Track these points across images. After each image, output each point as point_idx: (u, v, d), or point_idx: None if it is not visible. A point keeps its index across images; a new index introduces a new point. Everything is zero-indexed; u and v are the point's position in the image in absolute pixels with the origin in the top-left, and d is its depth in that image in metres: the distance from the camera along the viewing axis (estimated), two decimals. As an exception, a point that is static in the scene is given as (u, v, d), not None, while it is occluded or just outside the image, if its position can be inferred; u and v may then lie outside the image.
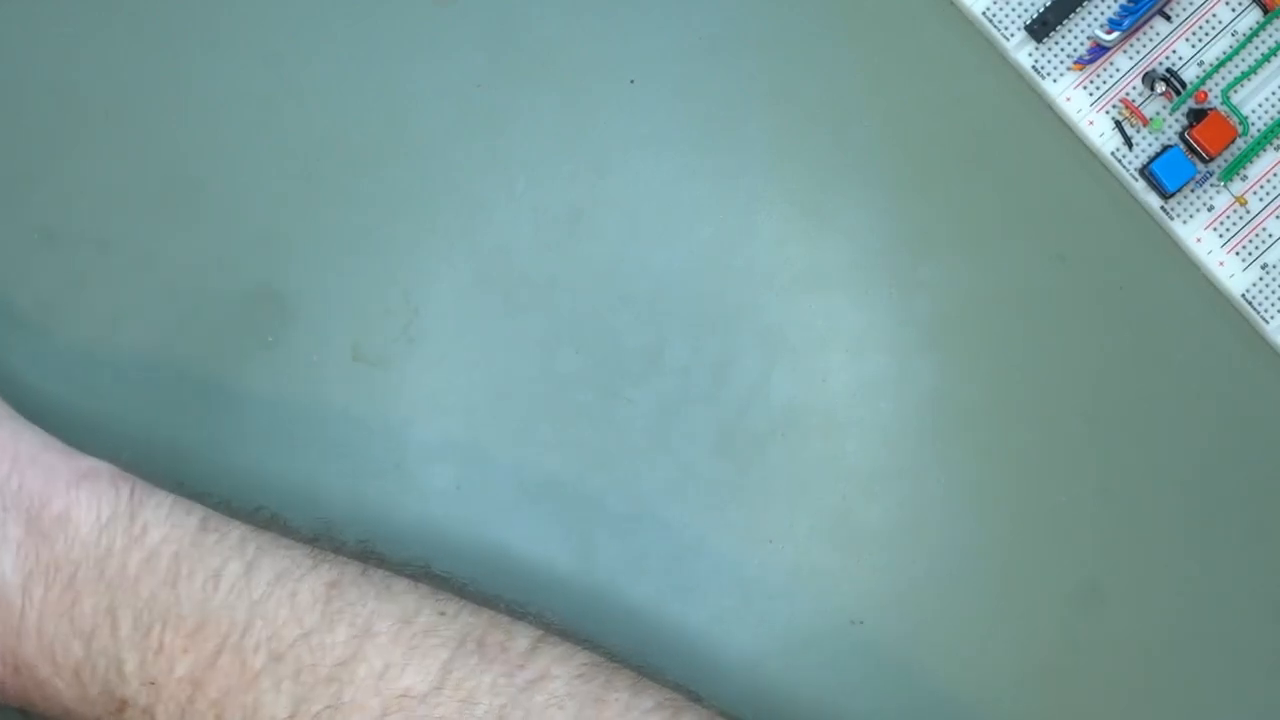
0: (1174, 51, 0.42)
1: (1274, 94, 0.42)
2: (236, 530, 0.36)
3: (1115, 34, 0.42)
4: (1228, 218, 0.42)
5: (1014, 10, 0.42)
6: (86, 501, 0.35)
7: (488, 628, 0.35)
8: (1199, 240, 0.42)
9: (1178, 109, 0.42)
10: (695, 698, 0.37)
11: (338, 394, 0.41)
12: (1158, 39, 0.42)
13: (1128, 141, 0.42)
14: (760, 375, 0.42)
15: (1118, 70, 0.42)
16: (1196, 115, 0.42)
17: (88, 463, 0.36)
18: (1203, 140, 0.41)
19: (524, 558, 0.41)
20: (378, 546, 0.38)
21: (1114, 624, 0.41)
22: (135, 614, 0.35)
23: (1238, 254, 0.42)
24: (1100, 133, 0.42)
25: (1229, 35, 0.42)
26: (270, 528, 0.37)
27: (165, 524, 0.36)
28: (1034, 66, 0.42)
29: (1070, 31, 0.42)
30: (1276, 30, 0.42)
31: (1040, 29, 0.42)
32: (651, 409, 0.42)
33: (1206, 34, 0.42)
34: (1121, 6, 0.42)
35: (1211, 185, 0.42)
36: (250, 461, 0.41)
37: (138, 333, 0.41)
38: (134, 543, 0.35)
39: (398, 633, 0.35)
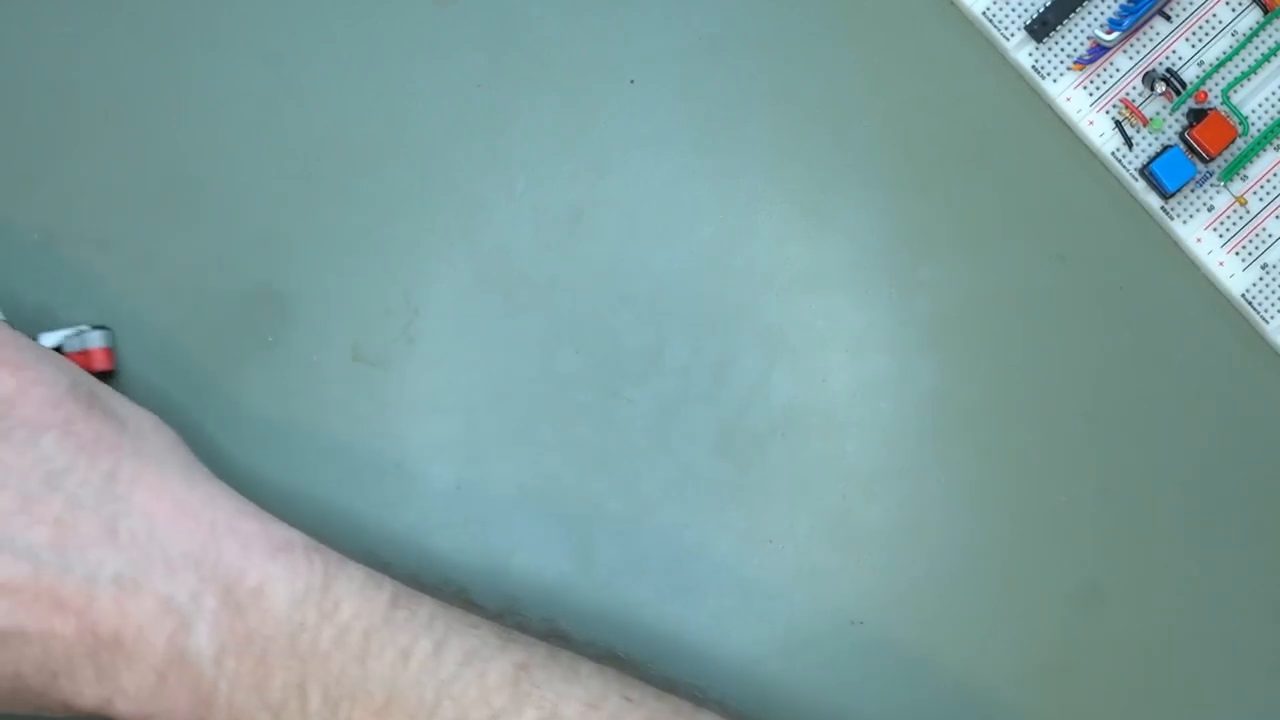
0: (1174, 51, 0.42)
1: (1274, 94, 0.42)
2: (426, 607, 0.36)
3: (1115, 34, 0.42)
4: (1228, 218, 0.42)
5: (1014, 10, 0.42)
6: (282, 575, 0.35)
7: (671, 715, 0.36)
8: (1199, 240, 0.42)
9: (1178, 109, 0.42)
10: None
11: (338, 394, 0.41)
12: (1158, 39, 0.42)
13: (1128, 141, 0.42)
14: (760, 375, 0.42)
15: (1118, 70, 0.42)
16: (1196, 115, 0.42)
17: (282, 533, 0.36)
18: (1203, 140, 0.41)
19: (524, 558, 0.41)
20: (561, 625, 0.38)
21: (1114, 624, 0.41)
22: (325, 689, 0.35)
23: (1238, 254, 0.42)
24: (1100, 133, 0.42)
25: (1229, 35, 0.42)
26: (455, 602, 0.37)
27: (357, 599, 0.36)
28: (1034, 66, 0.42)
29: (1070, 31, 0.42)
30: (1276, 30, 0.42)
31: (1040, 29, 0.42)
32: (651, 409, 0.42)
33: (1206, 34, 0.42)
34: (1121, 6, 0.42)
35: (1211, 185, 0.42)
36: (250, 461, 0.41)
37: (138, 333, 0.41)
38: (326, 618, 0.35)
39: (584, 717, 0.35)
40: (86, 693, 0.35)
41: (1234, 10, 0.42)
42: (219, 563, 0.35)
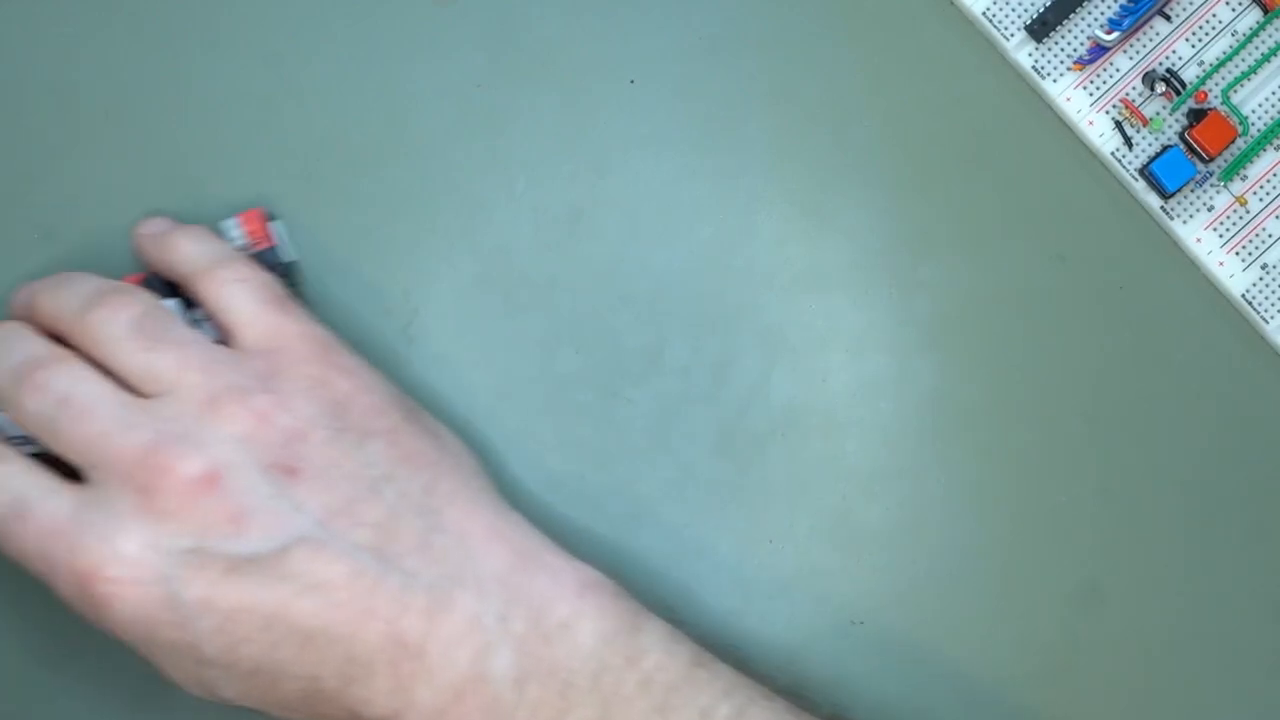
0: (1174, 51, 0.42)
1: (1274, 94, 0.42)
2: (726, 673, 0.36)
3: (1115, 34, 0.42)
4: (1228, 218, 0.42)
5: (1014, 10, 0.42)
6: (591, 613, 0.36)
7: None
8: (1199, 240, 0.42)
9: (1178, 109, 0.42)
10: None
11: (338, 394, 0.41)
12: (1158, 39, 0.42)
13: (1128, 141, 0.42)
14: (760, 375, 0.42)
15: (1118, 70, 0.42)
16: (1196, 115, 0.42)
17: (589, 572, 0.37)
18: (1203, 140, 0.41)
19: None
20: (848, 716, 0.38)
21: (1114, 624, 0.41)
22: None
23: (1238, 254, 0.42)
24: (1100, 133, 0.42)
25: (1229, 35, 0.42)
26: (742, 670, 0.37)
27: (661, 651, 0.36)
28: (1034, 66, 0.42)
29: (1070, 31, 0.42)
30: (1276, 30, 0.42)
31: (1040, 29, 0.42)
32: (651, 409, 0.42)
33: (1206, 34, 0.42)
34: (1121, 6, 0.42)
35: (1211, 185, 0.42)
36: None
37: (138, 333, 0.41)
38: (630, 664, 0.35)
39: None
40: (378, 703, 0.35)
41: (1234, 10, 0.42)
42: (529, 591, 0.35)
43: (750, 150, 0.42)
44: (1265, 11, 0.42)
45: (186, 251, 0.39)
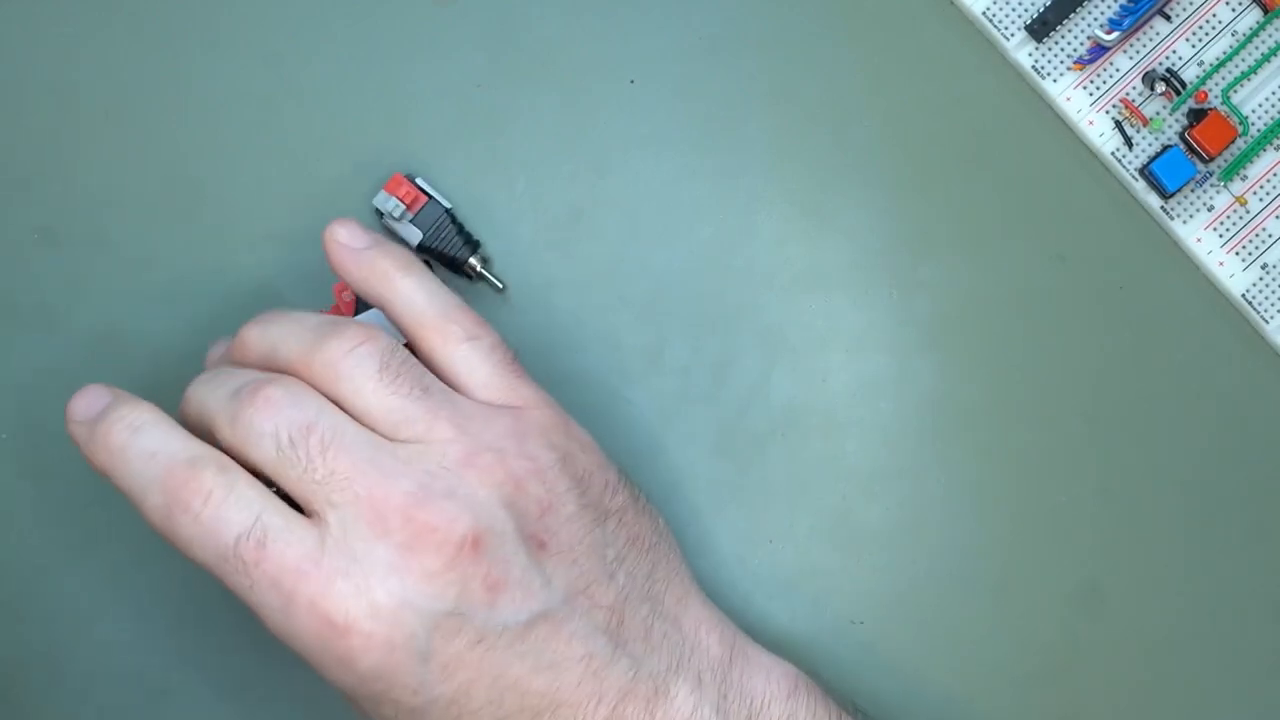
0: (1174, 51, 0.42)
1: (1274, 94, 0.42)
2: None
3: (1115, 34, 0.42)
4: (1228, 218, 0.42)
5: (1014, 10, 0.42)
6: (803, 716, 0.36)
7: None
8: (1199, 240, 0.42)
9: (1178, 109, 0.42)
10: None
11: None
12: (1158, 39, 0.42)
13: (1128, 141, 0.42)
14: (760, 375, 0.42)
15: (1118, 70, 0.42)
16: (1196, 115, 0.42)
17: (793, 670, 0.37)
18: (1203, 140, 0.41)
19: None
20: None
21: (1114, 624, 0.41)
22: None
23: (1238, 254, 0.42)
24: (1100, 133, 0.42)
25: (1229, 35, 0.42)
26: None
27: None
28: (1034, 66, 0.42)
29: (1070, 31, 0.42)
30: (1276, 30, 0.42)
31: (1040, 29, 0.42)
32: (651, 409, 0.42)
33: (1206, 34, 0.42)
34: (1121, 6, 0.42)
35: (1211, 185, 0.42)
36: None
37: (137, 333, 0.41)
38: None
39: None
40: None
41: (1234, 10, 0.42)
42: (743, 687, 0.36)
43: (750, 150, 0.42)
44: (1265, 11, 0.42)
45: (409, 298, 0.36)
